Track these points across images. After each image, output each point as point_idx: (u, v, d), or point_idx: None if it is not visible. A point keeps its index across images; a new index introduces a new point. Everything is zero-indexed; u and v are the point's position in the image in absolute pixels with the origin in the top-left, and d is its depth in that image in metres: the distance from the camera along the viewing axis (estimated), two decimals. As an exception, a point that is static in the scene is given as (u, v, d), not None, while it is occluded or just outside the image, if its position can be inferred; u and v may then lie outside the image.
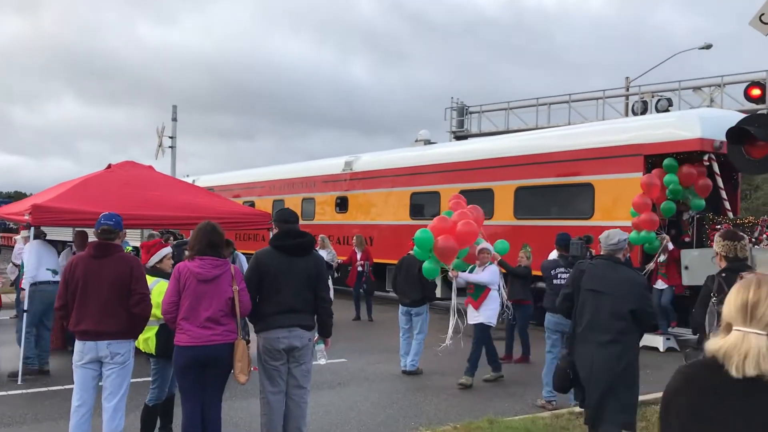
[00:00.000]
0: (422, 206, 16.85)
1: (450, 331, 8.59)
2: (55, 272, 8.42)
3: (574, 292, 5.17)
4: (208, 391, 4.89)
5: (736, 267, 4.77)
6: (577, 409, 6.43)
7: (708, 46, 26.09)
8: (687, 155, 11.70)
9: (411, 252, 9.54)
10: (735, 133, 7.23)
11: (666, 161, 11.52)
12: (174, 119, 22.95)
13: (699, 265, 10.02)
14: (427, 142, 19.00)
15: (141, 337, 5.49)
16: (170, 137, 23.12)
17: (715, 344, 1.96)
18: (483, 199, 15.42)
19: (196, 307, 4.81)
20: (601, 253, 5.25)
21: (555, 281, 7.66)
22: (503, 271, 9.63)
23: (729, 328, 1.97)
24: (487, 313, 8.47)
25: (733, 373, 1.88)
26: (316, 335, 5.55)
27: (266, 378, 5.23)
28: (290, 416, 5.26)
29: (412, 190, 17.05)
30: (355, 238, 15.59)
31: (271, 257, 5.27)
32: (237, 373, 4.86)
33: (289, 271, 5.20)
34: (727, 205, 11.85)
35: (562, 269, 7.67)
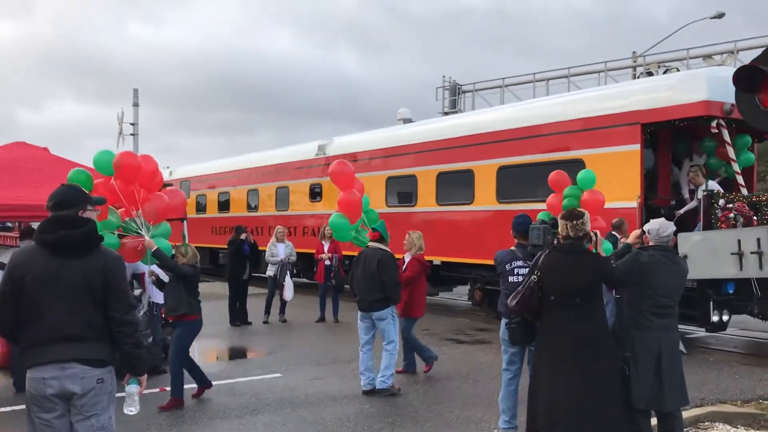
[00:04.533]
0: (399, 192, 15.14)
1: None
2: None
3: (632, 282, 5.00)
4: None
5: (563, 246, 4.90)
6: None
7: (720, 15, 24.06)
8: (692, 122, 9.90)
9: (371, 243, 7.80)
10: (746, 76, 5.44)
11: None
12: (135, 104, 21.21)
13: (702, 253, 8.18)
14: (407, 122, 17.26)
15: None
16: (132, 124, 21.36)
17: None
18: (463, 181, 13.76)
19: None
20: (651, 243, 5.03)
21: (511, 278, 5.76)
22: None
23: None
24: None
25: None
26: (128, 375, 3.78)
27: (36, 439, 3.51)
28: (76, 496, 3.53)
29: (387, 174, 15.33)
30: (322, 227, 13.85)
31: (30, 258, 3.50)
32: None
33: (57, 279, 3.43)
34: (741, 179, 10.00)
35: (520, 262, 5.79)
